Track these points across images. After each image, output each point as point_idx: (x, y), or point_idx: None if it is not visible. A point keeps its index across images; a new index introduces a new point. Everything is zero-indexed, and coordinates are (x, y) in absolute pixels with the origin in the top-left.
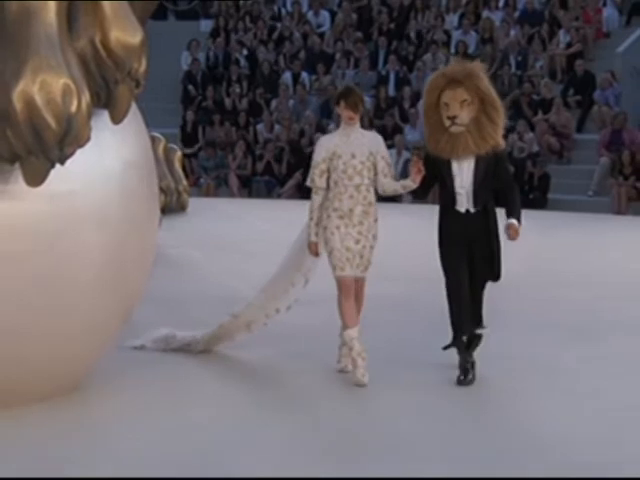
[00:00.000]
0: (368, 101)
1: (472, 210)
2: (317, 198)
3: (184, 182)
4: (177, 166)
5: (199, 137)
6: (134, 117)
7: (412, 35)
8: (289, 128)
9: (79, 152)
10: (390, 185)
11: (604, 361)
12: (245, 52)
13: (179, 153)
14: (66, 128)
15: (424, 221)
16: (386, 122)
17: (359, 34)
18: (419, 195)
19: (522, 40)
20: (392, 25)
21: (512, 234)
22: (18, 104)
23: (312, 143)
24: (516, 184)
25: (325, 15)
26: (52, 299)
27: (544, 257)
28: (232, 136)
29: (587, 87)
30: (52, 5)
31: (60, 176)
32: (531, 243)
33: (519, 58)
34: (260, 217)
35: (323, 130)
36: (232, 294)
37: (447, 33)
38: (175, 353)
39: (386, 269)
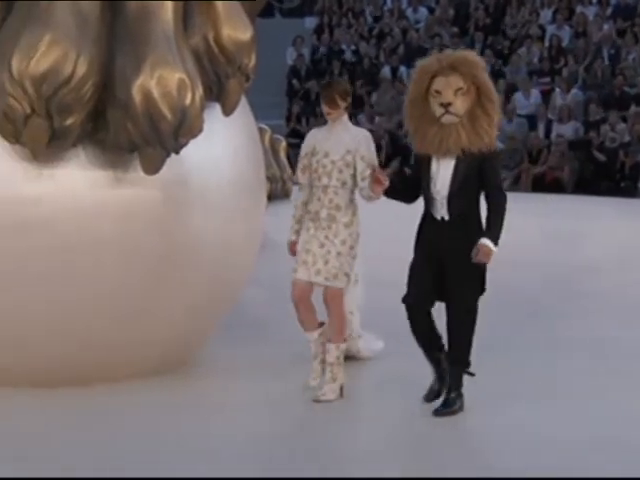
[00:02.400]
0: None
1: (446, 218)
2: (301, 195)
3: (288, 171)
4: (282, 156)
5: (303, 128)
6: (243, 109)
7: (507, 30)
8: (388, 119)
9: (192, 142)
10: (366, 191)
11: None
12: (348, 47)
13: (284, 143)
14: (181, 119)
15: (516, 209)
16: None
17: (455, 29)
18: (407, 201)
19: (615, 34)
20: (488, 20)
21: (479, 257)
22: (137, 97)
23: (408, 135)
24: (503, 193)
25: (423, 11)
26: (163, 281)
27: (632, 244)
28: None
29: None
30: (169, 5)
31: (174, 165)
32: (620, 230)
33: (612, 51)
34: (360, 204)
35: None
36: None
37: (541, 28)
38: (290, 339)
39: None
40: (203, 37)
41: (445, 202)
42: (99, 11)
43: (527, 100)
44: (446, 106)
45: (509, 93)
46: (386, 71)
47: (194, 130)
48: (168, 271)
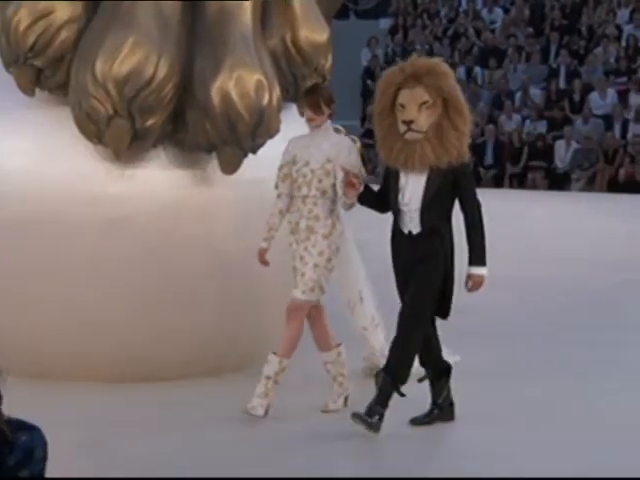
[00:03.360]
0: (538, 94)
1: (415, 232)
2: (277, 202)
3: (363, 170)
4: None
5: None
6: None
7: (583, 30)
8: None
9: (269, 142)
10: (343, 199)
11: None
12: (422, 48)
13: (358, 143)
14: (258, 120)
15: (591, 209)
16: (555, 114)
17: (531, 29)
18: (380, 209)
19: None
20: (564, 20)
21: (473, 287)
22: (216, 98)
23: (483, 134)
24: (478, 202)
25: (498, 12)
26: (241, 277)
27: None
28: None
29: None
30: (248, 6)
31: (251, 165)
32: None
33: None
34: None
35: (495, 122)
36: None
37: (618, 27)
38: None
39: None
40: (281, 39)
41: (417, 215)
42: (180, 13)
43: (603, 100)
44: (408, 123)
45: (585, 93)
46: (460, 72)
47: (271, 130)
48: (246, 268)
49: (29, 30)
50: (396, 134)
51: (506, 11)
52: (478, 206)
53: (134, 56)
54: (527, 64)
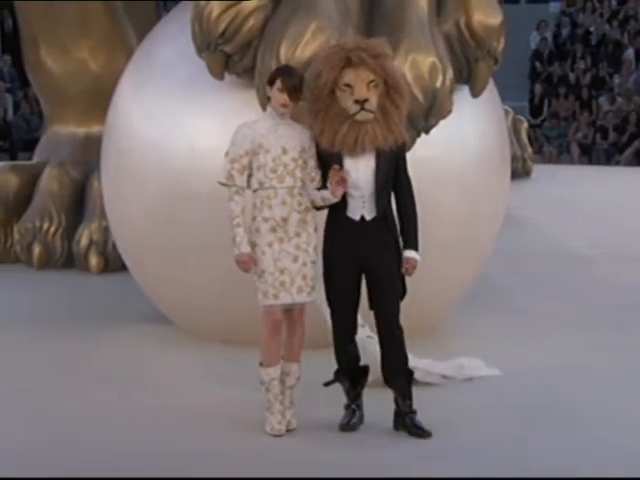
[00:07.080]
0: None
1: (368, 218)
2: (240, 200)
3: (529, 150)
4: (523, 135)
5: (544, 109)
6: (490, 92)
7: None
8: (630, 100)
9: (442, 123)
10: (310, 194)
11: None
12: (591, 31)
13: (525, 124)
14: (431, 101)
15: None
16: None
17: None
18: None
19: None
20: None
21: (410, 271)
22: None
23: None
24: (412, 190)
25: None
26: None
27: None
28: (574, 108)
29: None
30: None
31: (425, 144)
32: None
33: None
34: (599, 182)
35: None
36: (570, 252)
37: None
38: (528, 308)
39: None
40: (455, 22)
41: (368, 200)
42: (360, 1)
43: None
44: (362, 103)
45: None
46: (629, 53)
47: (444, 112)
48: (422, 243)
49: (220, 18)
50: (340, 117)
51: None
52: (412, 192)
53: (316, 41)
54: None
